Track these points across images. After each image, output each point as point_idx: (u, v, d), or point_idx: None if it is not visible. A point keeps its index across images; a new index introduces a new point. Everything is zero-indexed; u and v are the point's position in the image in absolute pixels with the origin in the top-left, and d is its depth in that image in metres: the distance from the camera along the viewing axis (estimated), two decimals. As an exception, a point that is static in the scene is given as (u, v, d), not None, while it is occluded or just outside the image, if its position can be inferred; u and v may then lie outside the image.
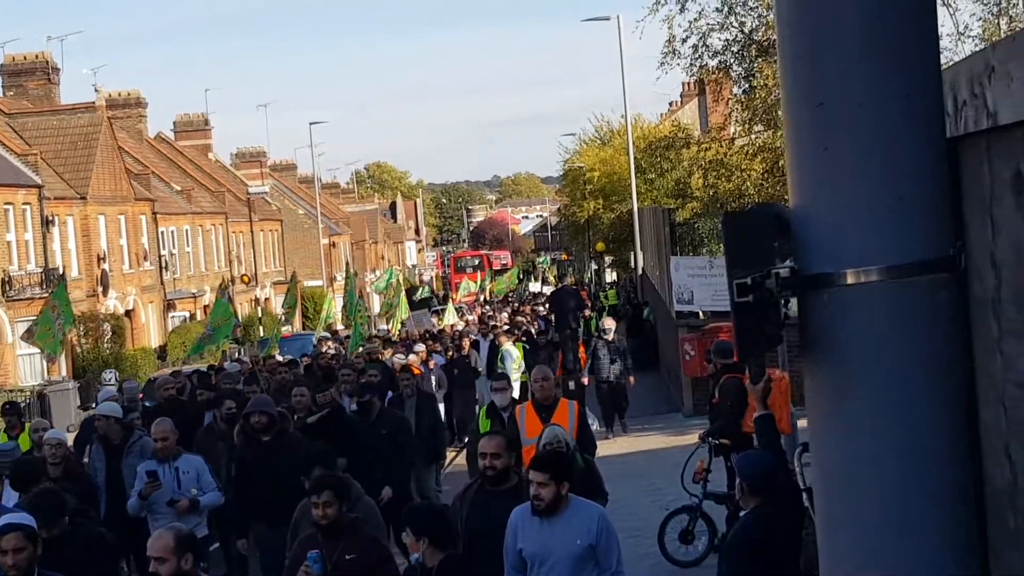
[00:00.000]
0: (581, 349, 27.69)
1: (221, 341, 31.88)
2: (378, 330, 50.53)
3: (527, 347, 28.43)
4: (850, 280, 2.67)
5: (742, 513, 9.09)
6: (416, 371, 23.70)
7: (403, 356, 25.83)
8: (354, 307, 43.51)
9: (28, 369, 41.76)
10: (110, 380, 33.49)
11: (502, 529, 8.73)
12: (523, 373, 25.45)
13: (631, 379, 25.76)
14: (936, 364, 2.69)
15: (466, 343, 28.85)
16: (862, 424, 2.70)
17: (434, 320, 48.48)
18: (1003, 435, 4.40)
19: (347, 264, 49.58)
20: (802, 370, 2.86)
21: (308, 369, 25.37)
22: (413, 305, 59.02)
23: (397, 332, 43.03)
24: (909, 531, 2.66)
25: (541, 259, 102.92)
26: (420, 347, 28.35)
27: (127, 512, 12.87)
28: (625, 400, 25.82)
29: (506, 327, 34.68)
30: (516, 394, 25.80)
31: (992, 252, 4.41)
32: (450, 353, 29.43)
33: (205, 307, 58.19)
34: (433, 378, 24.55)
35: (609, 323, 26.45)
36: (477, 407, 25.97)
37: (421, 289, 68.32)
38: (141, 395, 23.07)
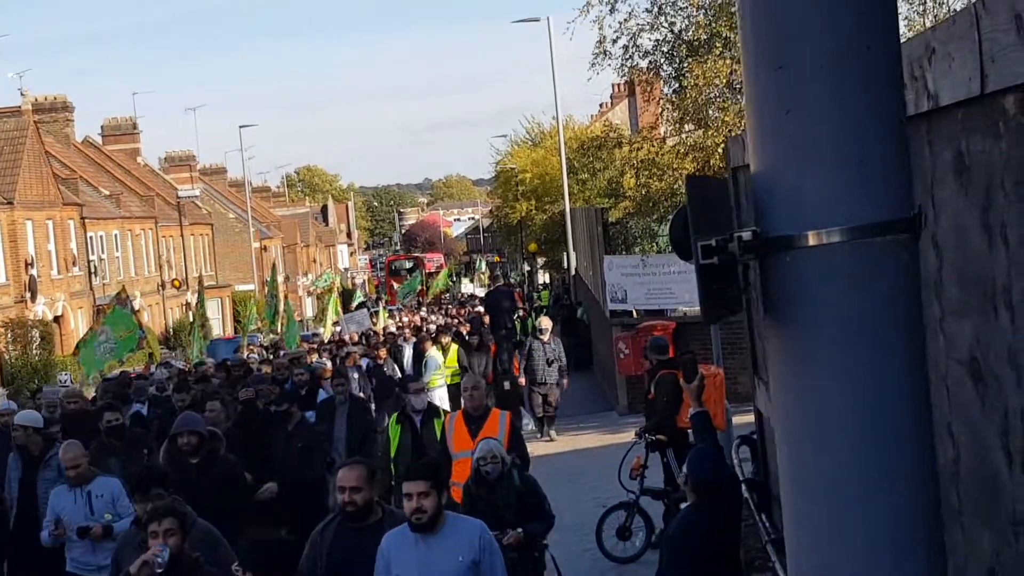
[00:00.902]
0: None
1: (125, 355, 29.95)
2: (310, 333, 50.31)
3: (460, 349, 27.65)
4: (812, 242, 2.68)
5: (683, 505, 9.15)
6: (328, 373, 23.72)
7: (325, 361, 25.51)
8: (272, 310, 43.26)
9: (-49, 374, 41.19)
10: (66, 382, 32.44)
11: (367, 568, 7.97)
12: (455, 376, 25.42)
13: (565, 382, 25.20)
14: (898, 323, 2.70)
15: (382, 352, 27.94)
16: (826, 385, 2.70)
17: (372, 322, 48.26)
18: (946, 414, 4.46)
19: (273, 266, 49.01)
20: (765, 333, 2.86)
21: (227, 372, 25.20)
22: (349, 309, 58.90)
23: (329, 334, 42.85)
24: (873, 491, 2.67)
25: (478, 263, 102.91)
26: (352, 349, 28.15)
27: (36, 528, 12.18)
28: (549, 404, 25.03)
29: (434, 331, 34.18)
30: (444, 401, 25.73)
31: (934, 234, 4.47)
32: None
33: (136, 312, 57.68)
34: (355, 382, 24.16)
35: (546, 323, 25.90)
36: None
37: (355, 294, 68.03)
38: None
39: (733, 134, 21.26)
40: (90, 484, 11.79)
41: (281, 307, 44.14)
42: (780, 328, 2.78)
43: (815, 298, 2.70)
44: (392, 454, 13.83)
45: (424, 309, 62.78)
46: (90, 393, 24.62)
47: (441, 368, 25.68)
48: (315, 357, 27.38)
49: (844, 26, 2.66)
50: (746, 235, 2.68)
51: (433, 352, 26.21)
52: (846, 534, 2.69)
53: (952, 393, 4.40)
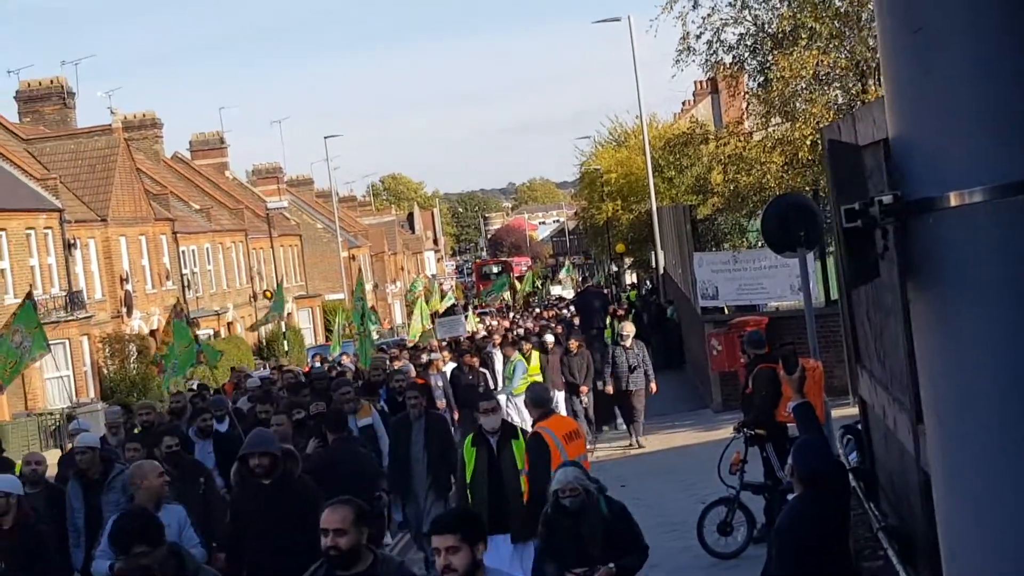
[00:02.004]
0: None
1: (184, 372, 27.98)
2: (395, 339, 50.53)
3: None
4: (954, 202, 2.67)
5: (790, 497, 9.12)
6: (419, 380, 22.85)
7: (410, 367, 25.23)
8: (361, 318, 43.08)
9: (56, 392, 41.89)
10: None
11: None
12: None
13: (653, 387, 24.52)
14: (1045, 282, 2.67)
15: (467, 358, 26.64)
16: (971, 348, 2.70)
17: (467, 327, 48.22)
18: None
19: (359, 273, 49.27)
20: (910, 299, 2.85)
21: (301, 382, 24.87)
22: (440, 314, 59.08)
23: (415, 339, 42.88)
24: (1022, 455, 2.65)
25: (565, 267, 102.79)
26: (436, 355, 28.03)
27: None
28: (635, 409, 24.26)
29: (519, 335, 33.13)
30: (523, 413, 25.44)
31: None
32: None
33: (229, 324, 58.39)
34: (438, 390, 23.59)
35: (628, 328, 25.38)
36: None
37: (447, 296, 68.22)
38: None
39: (821, 125, 21.10)
40: (159, 511, 10.57)
41: (362, 317, 43.99)
42: (923, 292, 2.78)
43: (959, 260, 2.70)
44: (468, 479, 12.35)
45: (513, 313, 62.86)
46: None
47: (527, 376, 25.05)
48: (400, 363, 27.33)
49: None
50: (887, 199, 2.68)
51: (516, 357, 25.79)
52: (996, 498, 2.68)
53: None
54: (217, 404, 19.94)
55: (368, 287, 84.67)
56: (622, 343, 24.49)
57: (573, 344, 25.74)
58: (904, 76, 2.75)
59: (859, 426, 11.34)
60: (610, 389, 24.17)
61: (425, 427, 15.07)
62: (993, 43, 2.64)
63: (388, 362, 27.35)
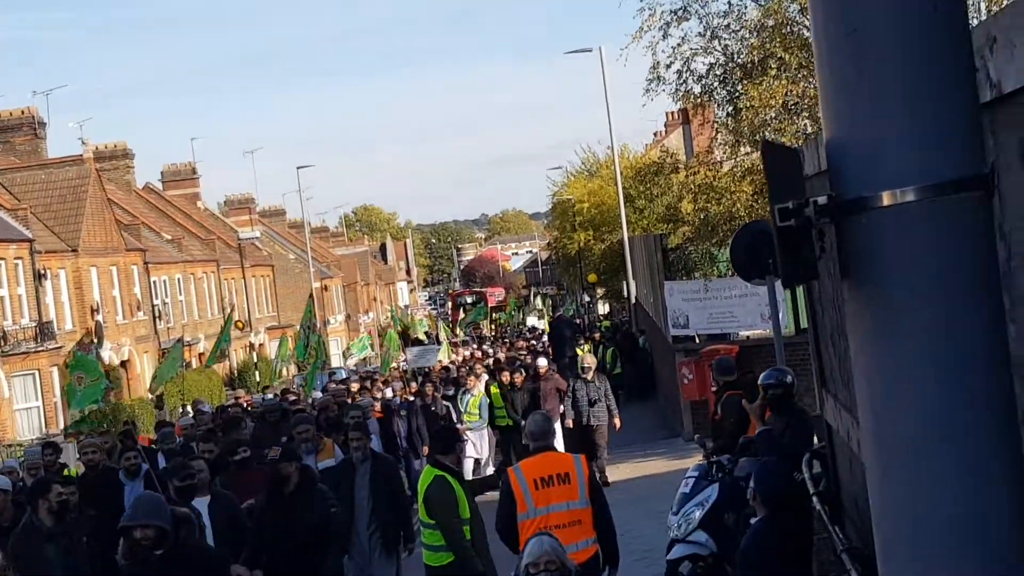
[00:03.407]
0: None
1: (87, 406, 26.71)
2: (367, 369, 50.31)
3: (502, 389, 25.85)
4: (886, 202, 2.71)
5: (753, 520, 9.17)
6: (377, 414, 22.65)
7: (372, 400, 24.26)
8: (305, 348, 42.28)
9: (26, 424, 41.65)
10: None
11: None
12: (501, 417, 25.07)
13: (616, 422, 24.00)
14: (977, 280, 2.73)
15: (429, 389, 26.38)
16: (905, 344, 2.73)
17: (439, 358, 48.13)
18: (1021, 405, 4.45)
19: (309, 297, 48.03)
20: (844, 297, 2.89)
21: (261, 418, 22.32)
22: (410, 342, 58.90)
23: (388, 372, 42.76)
24: (955, 447, 2.69)
25: (537, 300, 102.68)
26: (398, 385, 27.77)
27: None
28: (598, 446, 23.06)
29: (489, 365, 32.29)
30: (482, 445, 25.07)
31: (1000, 224, 4.47)
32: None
33: (200, 355, 58.17)
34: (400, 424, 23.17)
35: (589, 361, 24.72)
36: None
37: (419, 323, 68.08)
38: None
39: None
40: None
41: (306, 347, 43.05)
42: (858, 290, 2.81)
43: (891, 258, 2.73)
44: (467, 515, 11.27)
45: (487, 343, 62.81)
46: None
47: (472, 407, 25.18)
48: (359, 398, 26.03)
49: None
50: (821, 199, 2.72)
51: (475, 387, 25.57)
52: (929, 495, 2.71)
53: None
54: (165, 438, 19.06)
55: (339, 317, 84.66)
56: (583, 376, 23.80)
57: (519, 378, 25.06)
58: (838, 78, 2.78)
59: (824, 449, 11.40)
60: (570, 423, 23.58)
61: (371, 471, 13.46)
62: (924, 45, 2.69)
63: (348, 395, 26.55)
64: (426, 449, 23.03)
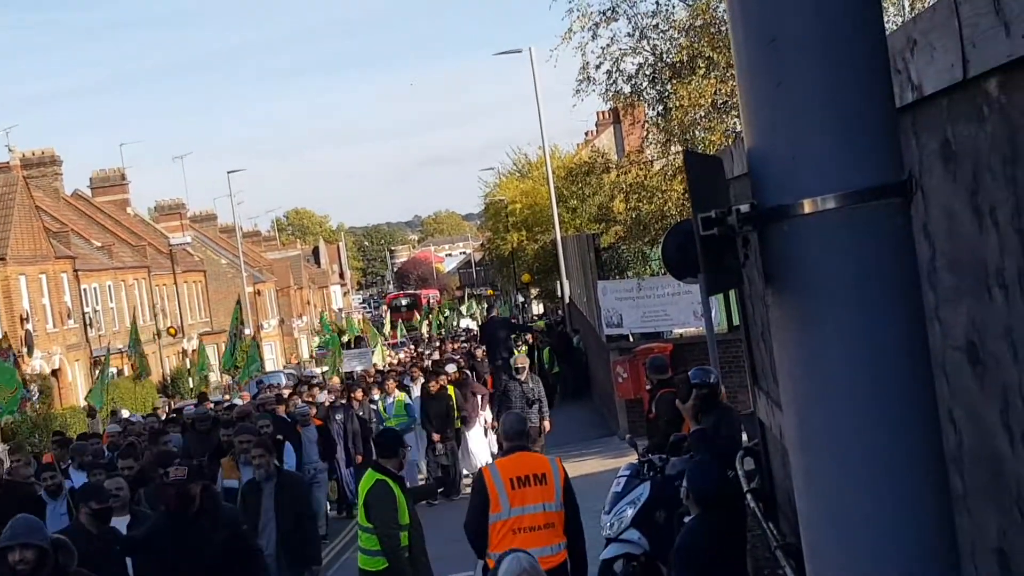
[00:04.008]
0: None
1: (3, 417, 25.62)
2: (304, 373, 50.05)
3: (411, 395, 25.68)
4: (807, 209, 2.75)
5: (687, 519, 9.23)
6: (316, 421, 22.07)
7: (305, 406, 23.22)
8: (231, 351, 41.74)
9: (-46, 434, 41.07)
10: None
11: None
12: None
13: (546, 424, 23.76)
14: (896, 285, 2.78)
15: (357, 394, 25.99)
16: (827, 348, 2.77)
17: (374, 360, 48.05)
18: (946, 401, 4.52)
19: (237, 303, 46.89)
20: (768, 303, 2.93)
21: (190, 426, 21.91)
22: (346, 346, 58.74)
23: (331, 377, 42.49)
24: (877, 449, 2.74)
25: (466, 304, 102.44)
26: (334, 388, 27.37)
27: None
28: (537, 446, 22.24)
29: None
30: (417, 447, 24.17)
31: (925, 224, 4.54)
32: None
33: (132, 363, 57.67)
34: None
35: (522, 362, 24.53)
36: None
37: (352, 327, 67.94)
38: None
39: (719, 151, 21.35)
40: None
41: (232, 352, 42.28)
42: (780, 296, 2.84)
43: (813, 265, 2.76)
44: (407, 521, 11.10)
45: (423, 346, 62.75)
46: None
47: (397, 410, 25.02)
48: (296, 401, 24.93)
49: (829, -3, 2.71)
50: (744, 207, 2.76)
51: (399, 396, 25.40)
52: (853, 494, 2.75)
53: (951, 380, 4.46)
54: (79, 451, 18.05)
55: (273, 322, 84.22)
56: (517, 376, 23.55)
57: (433, 386, 24.11)
58: (758, 87, 2.81)
59: (757, 447, 11.49)
60: (494, 424, 23.61)
61: (276, 490, 12.95)
62: (842, 52, 2.72)
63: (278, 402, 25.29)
64: (359, 457, 23.00)
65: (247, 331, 47.39)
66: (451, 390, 24.45)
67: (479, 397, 25.57)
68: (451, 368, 26.02)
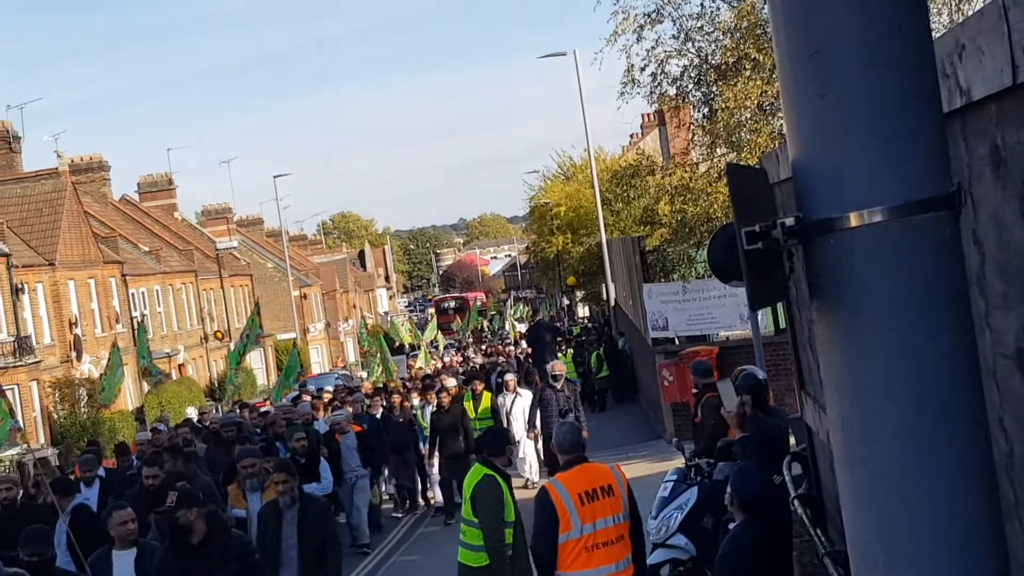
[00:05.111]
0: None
1: None
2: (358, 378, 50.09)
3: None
4: (854, 223, 2.71)
5: (731, 525, 9.16)
6: (356, 428, 21.68)
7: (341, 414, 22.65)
8: (239, 352, 41.17)
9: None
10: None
11: None
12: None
13: (584, 434, 23.24)
14: (944, 299, 2.74)
15: (396, 399, 25.54)
16: (873, 364, 2.74)
17: (409, 364, 48.18)
18: (996, 409, 4.46)
19: (255, 304, 46.39)
20: (812, 317, 2.89)
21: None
22: (398, 350, 58.89)
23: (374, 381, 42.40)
24: (928, 465, 2.70)
25: (510, 305, 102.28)
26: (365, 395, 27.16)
27: None
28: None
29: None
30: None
31: (974, 230, 4.48)
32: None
33: (180, 366, 58.01)
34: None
35: (559, 368, 23.74)
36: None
37: (401, 328, 67.96)
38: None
39: (766, 155, 21.24)
40: None
41: (246, 353, 41.41)
42: (826, 311, 2.81)
43: (859, 279, 2.73)
44: (512, 517, 11.00)
45: (470, 349, 62.77)
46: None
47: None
48: (323, 412, 24.77)
49: (874, 7, 2.68)
50: (789, 220, 2.72)
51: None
52: (900, 509, 2.71)
53: (1002, 387, 4.40)
54: (88, 464, 17.05)
55: (319, 325, 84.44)
56: (553, 384, 22.87)
57: (445, 398, 23.00)
58: (803, 98, 2.78)
59: (805, 452, 11.40)
60: (531, 436, 23.40)
61: (299, 517, 11.94)
62: (886, 63, 2.68)
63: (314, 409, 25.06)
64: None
65: (262, 334, 46.74)
66: (468, 400, 23.67)
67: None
68: (451, 383, 25.14)
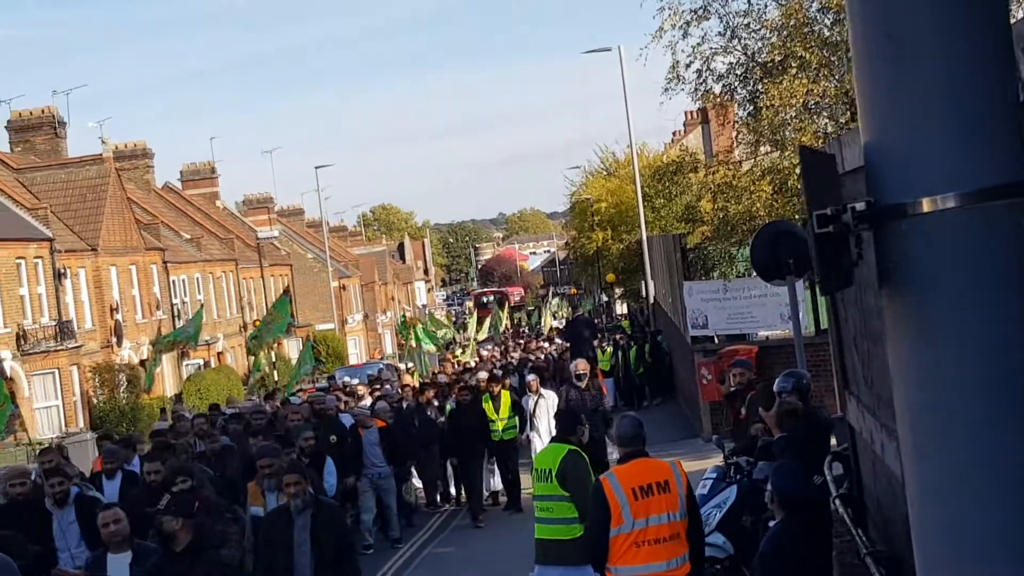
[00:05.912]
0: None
1: None
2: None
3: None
4: (926, 208, 2.68)
5: (772, 523, 9.13)
6: (380, 424, 20.99)
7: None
8: (261, 342, 40.81)
9: (46, 421, 41.79)
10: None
11: None
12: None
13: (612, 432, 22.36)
14: (1018, 286, 2.69)
15: (429, 394, 25.10)
16: (944, 354, 2.70)
17: (447, 358, 48.19)
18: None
19: (285, 290, 45.98)
20: (882, 303, 2.85)
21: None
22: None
23: (418, 374, 42.40)
24: (996, 461, 2.65)
25: (549, 300, 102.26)
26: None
27: None
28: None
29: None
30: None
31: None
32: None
33: (219, 354, 58.26)
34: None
35: (583, 366, 22.57)
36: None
37: (441, 323, 68.05)
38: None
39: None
40: None
41: (268, 339, 41.16)
42: (896, 298, 2.78)
43: (931, 265, 2.70)
44: None
45: (510, 343, 62.79)
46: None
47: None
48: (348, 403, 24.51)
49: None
50: (860, 205, 2.69)
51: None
52: (968, 502, 2.68)
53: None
54: (111, 455, 16.51)
55: (358, 316, 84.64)
56: (577, 384, 21.89)
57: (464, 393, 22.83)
58: (877, 82, 2.75)
59: (847, 451, 11.34)
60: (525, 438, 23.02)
61: (311, 523, 10.97)
62: (965, 49, 2.65)
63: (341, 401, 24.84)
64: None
65: (295, 323, 46.37)
66: (486, 401, 22.99)
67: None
68: (482, 375, 24.99)
